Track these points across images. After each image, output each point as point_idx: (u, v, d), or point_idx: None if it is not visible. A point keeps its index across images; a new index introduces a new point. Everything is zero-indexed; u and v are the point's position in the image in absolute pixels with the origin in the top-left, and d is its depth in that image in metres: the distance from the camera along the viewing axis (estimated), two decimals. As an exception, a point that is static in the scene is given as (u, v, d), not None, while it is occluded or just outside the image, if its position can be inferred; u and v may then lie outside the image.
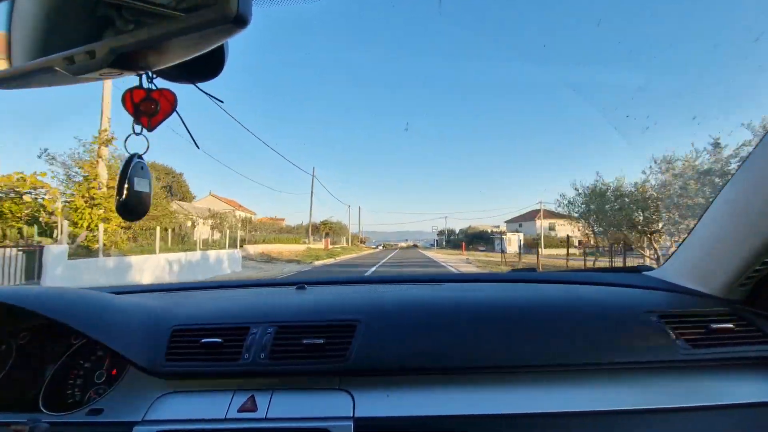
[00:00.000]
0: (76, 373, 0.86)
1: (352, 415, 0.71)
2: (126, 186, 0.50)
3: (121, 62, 0.40)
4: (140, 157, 0.52)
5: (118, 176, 0.51)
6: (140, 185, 0.51)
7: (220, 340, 0.80)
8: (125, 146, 0.51)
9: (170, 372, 0.77)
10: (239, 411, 0.73)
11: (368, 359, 0.74)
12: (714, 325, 0.77)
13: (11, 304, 0.79)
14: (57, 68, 0.41)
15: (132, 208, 0.51)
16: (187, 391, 0.78)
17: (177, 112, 0.51)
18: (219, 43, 0.41)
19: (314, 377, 0.77)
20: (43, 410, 0.77)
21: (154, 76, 0.48)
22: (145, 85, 0.49)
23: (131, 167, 0.51)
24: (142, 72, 0.47)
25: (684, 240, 0.96)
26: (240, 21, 0.34)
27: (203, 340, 0.80)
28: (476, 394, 0.73)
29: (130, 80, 0.50)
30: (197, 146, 0.60)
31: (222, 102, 0.60)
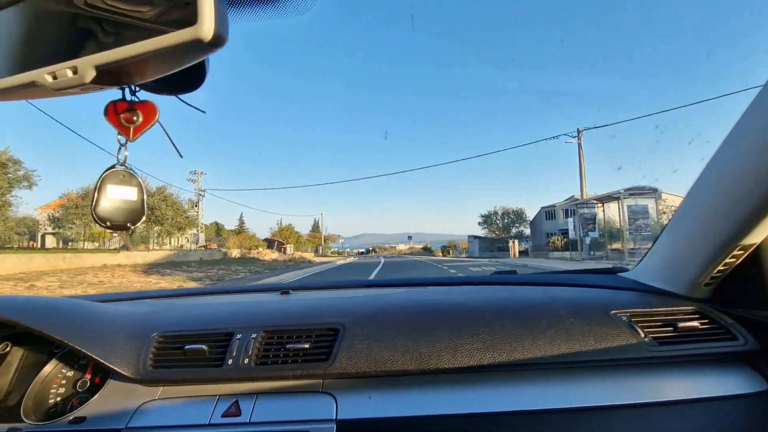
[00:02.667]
0: (58, 382, 0.85)
1: (334, 417, 0.72)
2: (96, 196, 0.51)
3: (104, 77, 0.42)
4: (122, 165, 0.53)
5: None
6: (119, 193, 0.52)
7: (203, 346, 0.80)
8: (117, 157, 0.52)
9: (154, 379, 0.77)
10: (223, 416, 0.73)
11: (351, 362, 0.76)
12: (680, 324, 0.81)
13: None
14: (39, 83, 0.42)
15: (107, 216, 0.52)
16: (171, 398, 0.78)
17: (159, 123, 0.53)
18: (198, 60, 0.43)
19: (298, 381, 0.78)
20: (24, 419, 0.77)
21: (137, 89, 0.50)
22: (128, 97, 0.50)
23: (104, 177, 0.52)
24: (124, 86, 0.48)
25: (655, 241, 1.00)
26: (217, 41, 0.36)
27: (187, 347, 0.80)
28: (456, 394, 0.75)
29: (112, 92, 0.51)
30: (180, 155, 0.61)
31: (204, 112, 0.61)
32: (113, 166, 0.52)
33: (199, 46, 0.37)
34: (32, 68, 0.43)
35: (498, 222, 34.49)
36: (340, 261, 33.16)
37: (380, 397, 0.76)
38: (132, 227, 0.56)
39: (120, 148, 0.52)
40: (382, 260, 31.41)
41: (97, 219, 0.52)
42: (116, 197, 0.52)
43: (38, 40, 0.51)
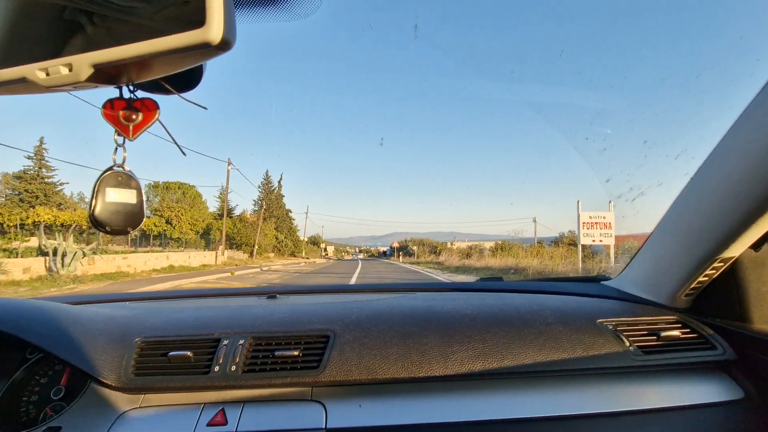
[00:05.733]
0: (31, 389, 0.81)
1: (324, 426, 0.71)
2: (94, 199, 0.49)
3: (100, 76, 0.40)
4: (120, 166, 0.50)
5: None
6: (118, 196, 0.50)
7: (189, 352, 0.78)
8: (114, 158, 0.50)
9: (136, 387, 0.74)
10: (208, 425, 0.71)
11: (342, 370, 0.75)
12: (662, 333, 0.83)
13: None
14: (30, 79, 0.40)
15: (105, 220, 0.50)
16: (153, 406, 0.76)
17: (159, 121, 0.51)
18: (202, 62, 0.42)
19: (287, 389, 0.77)
20: None
21: (134, 89, 0.48)
22: (126, 95, 0.48)
23: (102, 180, 0.49)
24: (120, 85, 0.46)
25: (638, 252, 1.03)
26: (224, 45, 0.35)
27: (171, 353, 0.77)
28: (446, 402, 0.76)
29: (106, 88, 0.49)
30: (183, 153, 0.59)
31: (206, 108, 0.59)
32: (111, 168, 0.50)
33: (206, 49, 0.35)
34: (17, 63, 0.41)
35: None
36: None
37: (370, 405, 0.75)
38: (131, 231, 0.53)
39: (117, 148, 0.49)
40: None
41: (95, 223, 0.49)
42: (114, 200, 0.50)
43: (23, 33, 0.48)
